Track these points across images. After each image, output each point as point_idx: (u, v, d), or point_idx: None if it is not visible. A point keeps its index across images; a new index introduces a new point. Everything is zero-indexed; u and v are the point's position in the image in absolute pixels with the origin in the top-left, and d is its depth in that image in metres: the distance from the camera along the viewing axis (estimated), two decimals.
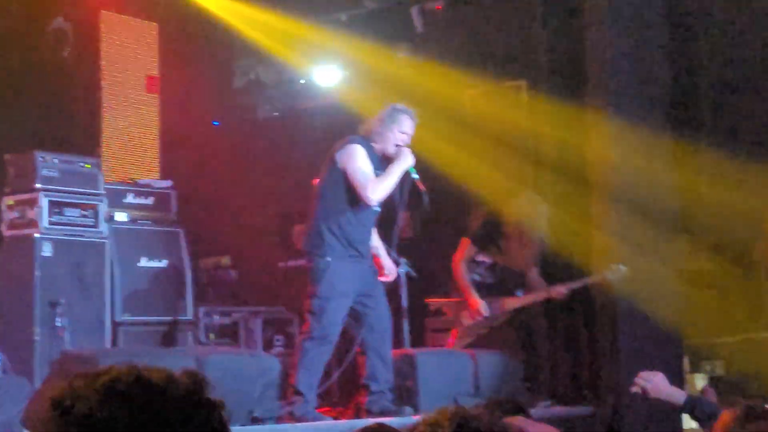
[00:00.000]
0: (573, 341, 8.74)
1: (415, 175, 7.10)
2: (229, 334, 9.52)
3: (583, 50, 8.62)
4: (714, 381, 9.08)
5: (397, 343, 7.99)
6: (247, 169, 10.92)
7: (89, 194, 8.39)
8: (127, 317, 8.55)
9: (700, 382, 8.97)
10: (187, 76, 10.77)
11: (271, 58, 10.68)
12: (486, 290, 8.35)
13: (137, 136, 10.37)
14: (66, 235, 8.17)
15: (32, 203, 8.12)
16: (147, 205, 9.04)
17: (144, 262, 8.81)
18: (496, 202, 8.49)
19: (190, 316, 8.98)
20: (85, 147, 9.62)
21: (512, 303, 8.40)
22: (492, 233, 8.37)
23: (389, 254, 7.43)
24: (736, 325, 9.32)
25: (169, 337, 8.78)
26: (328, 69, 10.67)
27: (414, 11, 10.04)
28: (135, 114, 10.42)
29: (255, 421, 6.52)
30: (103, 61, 10.24)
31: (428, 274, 8.66)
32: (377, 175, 6.98)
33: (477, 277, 8.39)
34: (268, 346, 9.33)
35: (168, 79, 10.70)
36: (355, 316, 7.03)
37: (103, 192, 8.51)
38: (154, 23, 10.70)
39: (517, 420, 2.31)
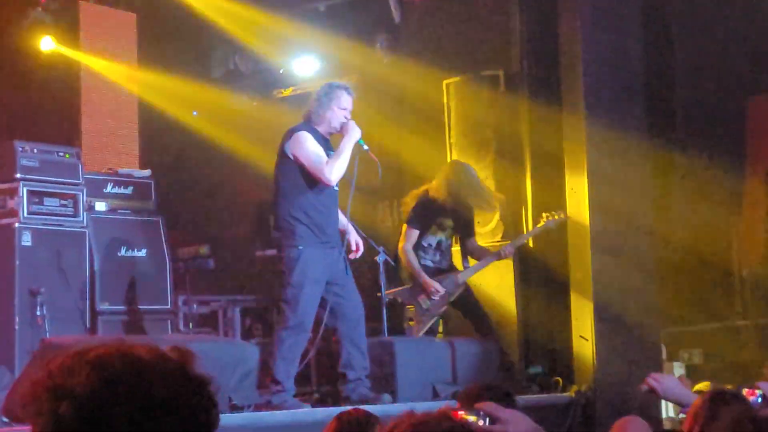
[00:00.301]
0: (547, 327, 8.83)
1: (365, 147, 7.14)
2: (208, 323, 9.56)
3: (557, 41, 8.70)
4: (690, 369, 9.21)
5: (378, 331, 8.07)
6: (225, 159, 10.94)
7: (69, 184, 8.40)
8: (106, 306, 8.56)
9: (677, 370, 9.09)
10: (166, 66, 10.78)
11: (249, 48, 10.72)
12: (439, 272, 8.44)
13: (117, 126, 10.38)
14: (45, 224, 8.18)
15: (12, 193, 8.12)
16: (126, 195, 9.05)
17: (123, 252, 8.83)
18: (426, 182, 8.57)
19: (169, 305, 9.01)
20: (65, 137, 9.64)
21: (465, 274, 8.49)
22: (427, 212, 8.43)
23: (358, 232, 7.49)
24: (712, 314, 9.46)
25: (148, 326, 8.81)
26: (305, 60, 10.72)
27: (392, 1, 10.08)
28: (114, 104, 10.44)
29: (234, 408, 6.58)
30: (82, 51, 10.25)
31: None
32: (329, 156, 7.01)
33: (429, 263, 8.45)
34: (246, 334, 9.38)
35: (146, 68, 10.72)
36: (327, 305, 7.07)
37: (82, 182, 8.51)
38: (133, 14, 10.71)
39: (487, 405, 2.37)
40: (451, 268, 8.55)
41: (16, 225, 8.03)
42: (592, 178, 8.31)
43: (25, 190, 8.12)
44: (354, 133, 7.05)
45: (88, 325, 8.34)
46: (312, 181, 7.00)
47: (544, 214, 8.48)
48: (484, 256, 8.50)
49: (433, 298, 8.31)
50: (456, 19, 9.74)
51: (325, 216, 7.09)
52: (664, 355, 8.79)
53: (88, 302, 8.38)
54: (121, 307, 8.69)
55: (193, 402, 1.62)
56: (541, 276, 8.87)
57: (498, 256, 8.42)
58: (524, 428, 2.36)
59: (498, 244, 8.75)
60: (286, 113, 10.68)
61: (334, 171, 6.96)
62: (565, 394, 8.26)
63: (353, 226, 7.44)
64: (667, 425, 7.93)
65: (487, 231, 9.02)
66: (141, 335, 8.56)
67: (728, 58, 9.49)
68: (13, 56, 10.11)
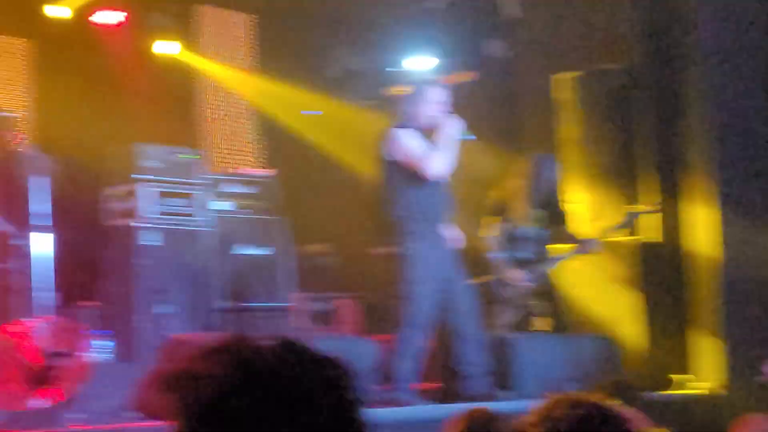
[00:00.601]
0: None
1: (471, 137, 7.09)
2: (329, 320, 9.63)
3: (677, 35, 8.54)
4: None
5: (493, 326, 8.01)
6: (345, 157, 10.99)
7: (191, 184, 8.54)
8: (228, 304, 8.68)
9: None
10: (281, 66, 10.88)
11: (365, 47, 10.76)
12: (527, 263, 8.36)
13: (237, 126, 10.52)
14: (168, 224, 8.34)
15: (134, 194, 8.29)
16: (248, 194, 9.15)
17: (245, 250, 8.93)
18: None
19: (290, 302, 9.09)
20: (187, 138, 9.79)
21: (549, 266, 8.38)
22: (515, 204, 8.33)
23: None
24: None
25: (269, 323, 8.90)
26: (419, 58, 10.72)
27: None
28: (235, 104, 10.58)
29: None
30: (201, 55, 10.41)
31: None
32: (429, 151, 6.95)
33: (519, 254, 8.34)
34: (365, 331, 9.41)
35: (262, 70, 10.84)
36: (441, 301, 7.06)
37: (204, 181, 8.66)
38: (250, 15, 10.84)
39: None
40: (540, 260, 8.44)
41: (139, 225, 8.19)
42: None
43: (148, 190, 8.28)
44: (452, 126, 7.00)
45: (210, 323, 8.46)
46: (417, 177, 6.98)
47: (628, 208, 8.38)
48: (574, 248, 8.37)
49: (516, 288, 8.21)
50: (572, 13, 9.63)
51: (434, 211, 7.07)
52: None
53: (210, 300, 8.51)
54: (243, 305, 8.80)
55: (335, 396, 1.60)
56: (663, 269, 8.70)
57: (585, 249, 8.30)
58: None
59: (589, 238, 8.55)
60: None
61: (435, 164, 6.93)
62: (689, 392, 8.11)
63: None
64: None
65: (583, 225, 8.86)
66: (262, 332, 8.64)
67: None
68: (135, 60, 10.30)
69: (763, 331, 8.02)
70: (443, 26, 10.34)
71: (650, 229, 8.59)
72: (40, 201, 7.24)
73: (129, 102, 10.11)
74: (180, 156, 8.61)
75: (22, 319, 6.80)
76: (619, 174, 8.86)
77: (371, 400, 6.72)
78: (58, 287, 7.27)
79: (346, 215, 11.02)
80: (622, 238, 8.64)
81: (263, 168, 10.00)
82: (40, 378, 6.37)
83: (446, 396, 7.60)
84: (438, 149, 6.93)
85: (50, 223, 7.26)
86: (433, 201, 7.06)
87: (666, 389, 8.20)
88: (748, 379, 7.80)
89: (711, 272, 8.20)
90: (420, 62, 10.76)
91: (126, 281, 8.12)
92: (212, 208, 8.73)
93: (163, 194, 8.36)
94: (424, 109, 7.04)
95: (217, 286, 8.59)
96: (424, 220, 6.99)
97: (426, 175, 6.93)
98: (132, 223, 8.19)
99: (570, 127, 9.16)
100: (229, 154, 10.40)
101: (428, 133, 7.05)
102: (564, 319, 8.38)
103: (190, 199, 8.51)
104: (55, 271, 7.27)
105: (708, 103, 8.26)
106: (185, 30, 10.44)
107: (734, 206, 8.17)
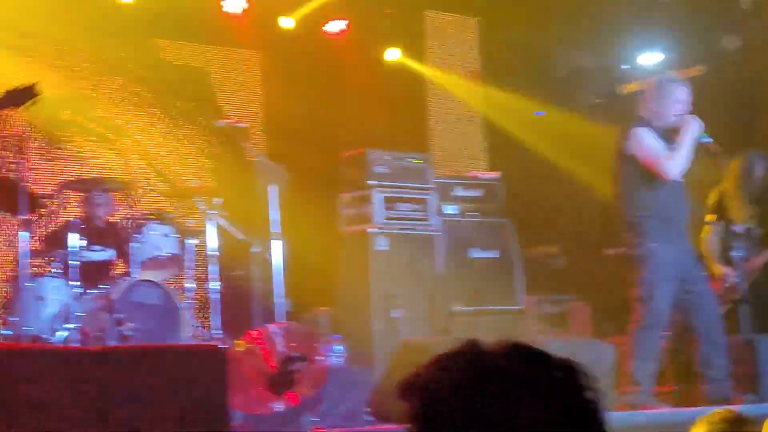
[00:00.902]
0: None
1: (708, 139, 6.86)
2: (560, 322, 9.53)
3: None
4: None
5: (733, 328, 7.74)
6: (570, 158, 10.86)
7: (420, 189, 8.64)
8: (459, 307, 8.71)
9: None
10: (508, 68, 10.84)
11: (593, 44, 10.60)
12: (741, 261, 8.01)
13: (464, 131, 10.55)
14: (399, 229, 8.45)
15: (367, 199, 8.44)
16: (475, 197, 9.18)
17: (474, 253, 8.95)
18: None
19: (521, 305, 9.05)
20: (415, 143, 9.89)
21: (756, 264, 8.01)
22: (731, 201, 8.06)
23: None
24: None
25: (500, 326, 8.88)
26: (649, 54, 10.48)
27: None
28: (460, 108, 10.61)
29: None
30: (427, 62, 10.49)
31: None
32: (668, 151, 6.81)
33: (735, 252, 8.00)
34: (599, 333, 9.26)
35: (489, 71, 10.83)
36: (679, 301, 6.88)
37: (433, 186, 8.73)
38: (474, 19, 10.85)
39: None
40: (750, 257, 8.07)
41: (372, 230, 8.33)
42: None
43: (379, 196, 8.41)
44: (692, 127, 6.83)
45: (441, 326, 8.51)
46: (654, 176, 6.86)
47: None
48: None
49: (725, 286, 7.91)
50: None
51: (672, 210, 6.93)
52: None
53: (441, 304, 8.55)
54: (473, 308, 8.81)
55: (568, 398, 1.57)
56: None
57: None
58: None
59: None
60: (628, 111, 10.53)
61: (675, 165, 6.80)
62: None
63: None
64: None
65: None
66: (494, 335, 8.63)
67: None
68: (361, 67, 10.47)
69: None
70: (674, 20, 10.07)
71: None
72: (275, 209, 7.44)
73: (357, 108, 10.27)
74: (413, 161, 8.71)
75: (263, 325, 7.00)
76: None
77: (610, 404, 6.60)
78: (289, 293, 7.45)
79: (573, 217, 10.89)
80: None
81: (489, 171, 9.98)
82: (282, 382, 6.54)
83: (683, 399, 7.40)
84: (679, 149, 6.79)
85: (279, 230, 7.42)
86: (672, 201, 6.92)
87: None
88: None
89: None
90: (651, 58, 10.52)
91: (360, 286, 8.26)
92: (441, 212, 8.79)
93: (397, 199, 8.49)
94: (666, 108, 6.91)
95: (448, 289, 8.63)
96: (662, 221, 6.85)
97: (664, 175, 6.79)
98: (367, 229, 8.33)
99: None
100: (455, 157, 10.43)
101: (668, 131, 6.92)
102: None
103: (423, 203, 8.61)
104: (285, 277, 7.46)
105: None
106: (409, 36, 10.53)
107: None
